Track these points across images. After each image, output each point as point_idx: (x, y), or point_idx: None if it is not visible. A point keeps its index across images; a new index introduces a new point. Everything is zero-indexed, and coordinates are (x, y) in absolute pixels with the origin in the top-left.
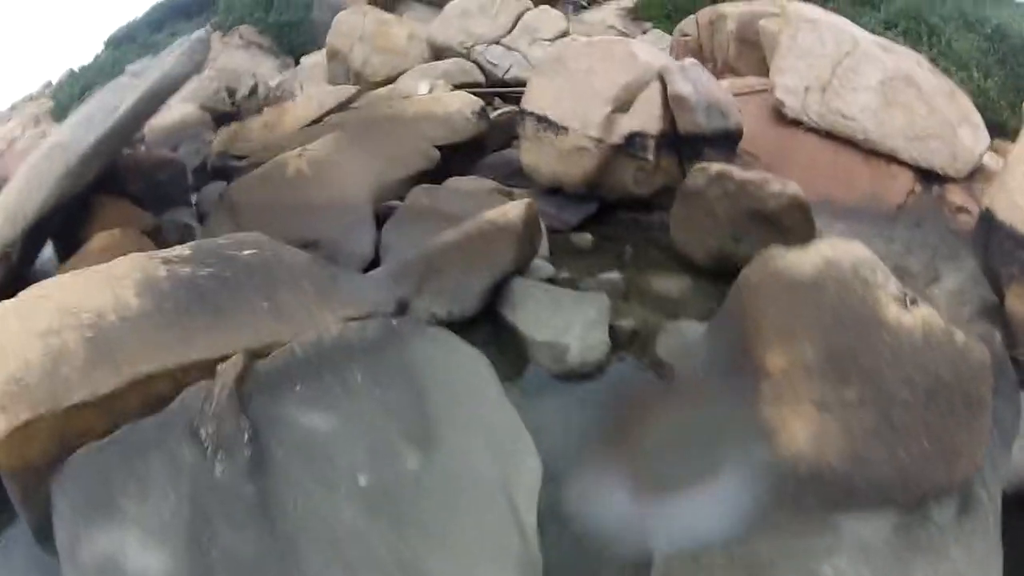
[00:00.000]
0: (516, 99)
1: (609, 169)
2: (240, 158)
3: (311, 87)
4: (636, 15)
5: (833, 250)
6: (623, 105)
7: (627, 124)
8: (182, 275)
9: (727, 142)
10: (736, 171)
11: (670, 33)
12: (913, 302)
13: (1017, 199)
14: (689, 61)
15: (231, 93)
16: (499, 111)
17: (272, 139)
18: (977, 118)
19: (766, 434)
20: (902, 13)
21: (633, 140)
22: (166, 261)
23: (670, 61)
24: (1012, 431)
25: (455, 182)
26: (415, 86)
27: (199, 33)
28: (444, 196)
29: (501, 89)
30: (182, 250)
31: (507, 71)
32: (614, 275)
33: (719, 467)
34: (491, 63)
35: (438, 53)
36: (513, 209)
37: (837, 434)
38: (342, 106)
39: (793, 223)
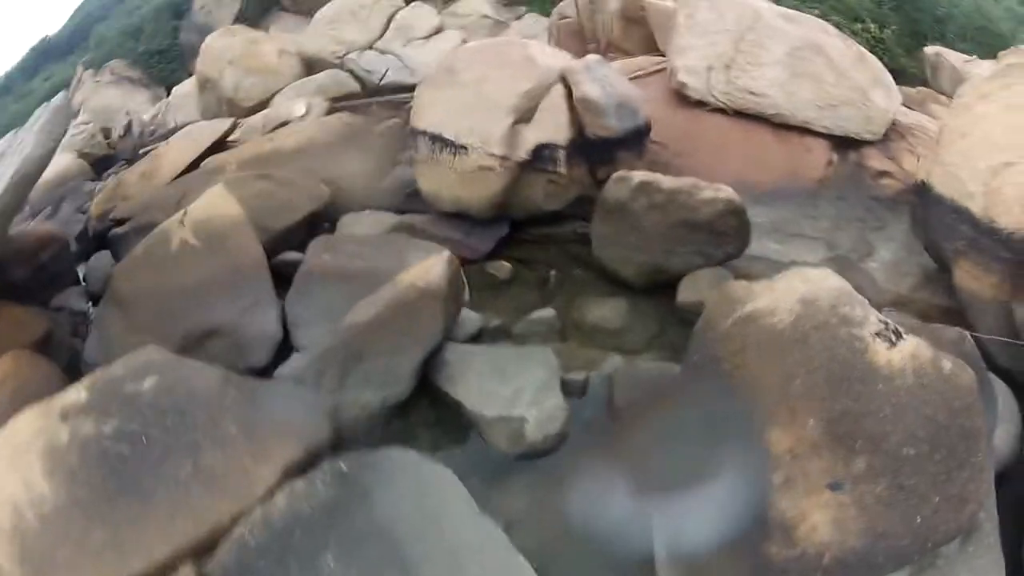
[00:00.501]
0: (395, 107)
1: (517, 187)
2: (121, 221)
3: (183, 118)
4: (509, 0)
5: (805, 285)
6: (525, 115)
7: (533, 136)
8: (87, 438)
9: (638, 139)
10: (663, 180)
11: (546, 15)
12: (896, 334)
13: (957, 173)
14: (592, 58)
15: (106, 134)
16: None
17: (152, 195)
18: (888, 78)
19: (785, 529)
20: None
21: (541, 153)
22: (64, 415)
23: (571, 61)
24: (993, 425)
25: (351, 221)
26: (290, 108)
27: (56, 101)
28: (346, 249)
29: (379, 99)
30: (78, 394)
31: (383, 77)
32: (547, 313)
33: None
34: (365, 71)
35: (311, 66)
36: (434, 267)
37: (855, 514)
38: (219, 143)
39: (728, 228)
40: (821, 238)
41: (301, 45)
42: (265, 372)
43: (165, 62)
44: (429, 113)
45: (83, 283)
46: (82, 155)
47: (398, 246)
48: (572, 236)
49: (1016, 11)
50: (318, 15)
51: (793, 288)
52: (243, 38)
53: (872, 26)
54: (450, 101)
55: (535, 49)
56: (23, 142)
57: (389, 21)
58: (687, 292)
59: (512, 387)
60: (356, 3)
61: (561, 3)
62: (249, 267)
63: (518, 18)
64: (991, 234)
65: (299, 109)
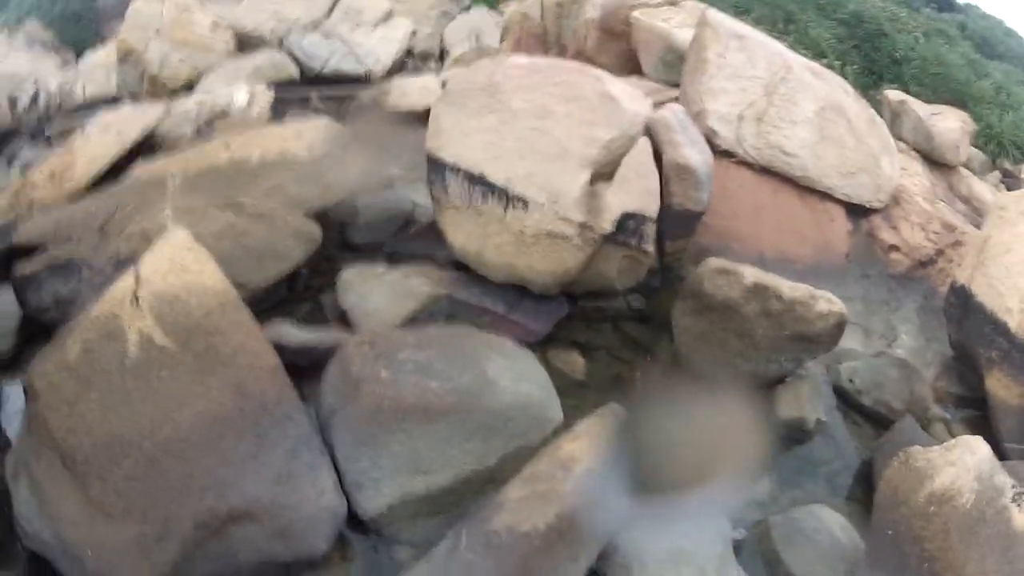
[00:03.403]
0: (337, 100)
1: (592, 262)
2: (27, 251)
3: (94, 92)
4: None
5: (974, 458)
6: (604, 172)
7: (617, 202)
8: None
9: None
10: (783, 288)
11: (492, 9)
12: (1020, 495)
13: (999, 288)
14: (678, 111)
15: (12, 104)
16: None
17: (67, 212)
18: (892, 144)
19: None
20: None
21: (626, 224)
22: None
23: (659, 110)
24: None
25: (357, 281)
26: (229, 95)
27: None
28: (408, 360)
29: (324, 90)
30: None
31: (325, 64)
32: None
33: None
34: (307, 55)
35: (246, 43)
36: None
37: None
38: (148, 138)
39: (829, 339)
40: (858, 324)
41: (237, 19)
42: (325, 562)
43: (78, 27)
44: (461, 144)
45: None
46: None
47: (474, 351)
48: (627, 312)
49: (972, 59)
50: None
51: (966, 463)
52: (174, 3)
53: (836, 63)
54: (495, 133)
55: (614, 86)
56: None
57: (333, 1)
58: (789, 408)
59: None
60: None
61: (524, 1)
62: (266, 391)
63: (464, 9)
64: (1022, 350)
65: (241, 98)
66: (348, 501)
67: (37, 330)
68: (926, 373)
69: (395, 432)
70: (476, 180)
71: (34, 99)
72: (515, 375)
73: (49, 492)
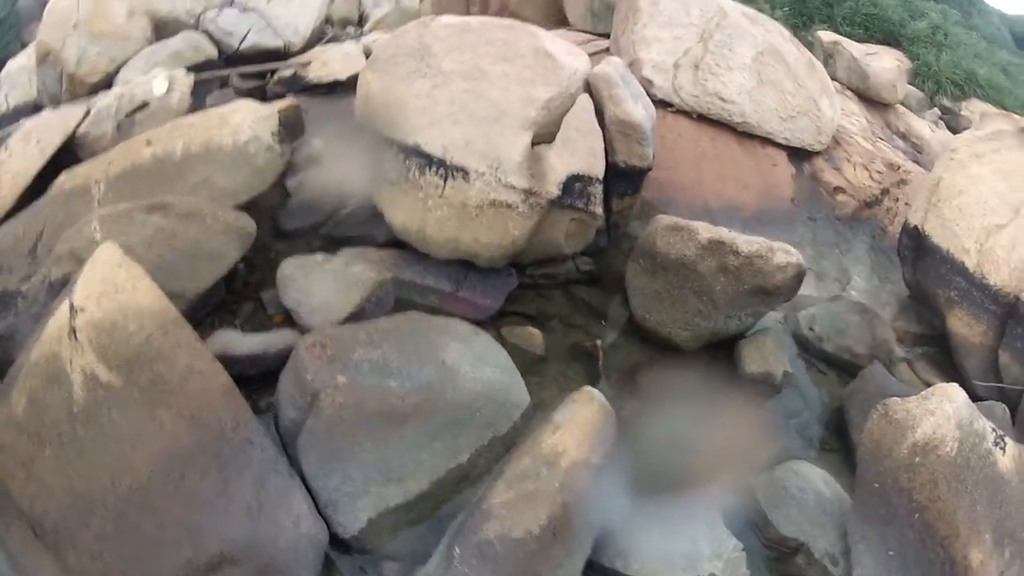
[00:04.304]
0: (258, 77)
1: (539, 229)
2: None
3: (17, 99)
4: None
5: (952, 405)
6: (545, 134)
7: (562, 164)
8: None
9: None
10: (739, 242)
11: None
12: (1002, 439)
13: (953, 229)
14: (618, 63)
15: None
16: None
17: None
18: (831, 86)
19: None
20: None
21: (572, 187)
22: None
23: (599, 65)
24: None
25: (299, 271)
26: (148, 85)
27: None
28: (365, 359)
29: (242, 69)
30: None
31: (243, 39)
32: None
33: None
34: (225, 32)
35: (163, 28)
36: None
37: None
38: (68, 143)
39: (788, 291)
40: (810, 268)
41: (152, 3)
42: None
43: (1, 30)
44: (393, 113)
45: None
46: None
47: (429, 340)
48: (577, 276)
49: (906, 0)
50: None
51: (946, 411)
52: None
53: (765, 5)
54: (428, 99)
55: (549, 42)
56: None
57: None
58: (754, 363)
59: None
60: None
61: None
62: (222, 416)
63: None
64: (982, 288)
65: (160, 86)
66: (327, 522)
67: None
68: (884, 314)
69: (361, 442)
70: (410, 151)
71: None
72: (474, 360)
73: (27, 567)
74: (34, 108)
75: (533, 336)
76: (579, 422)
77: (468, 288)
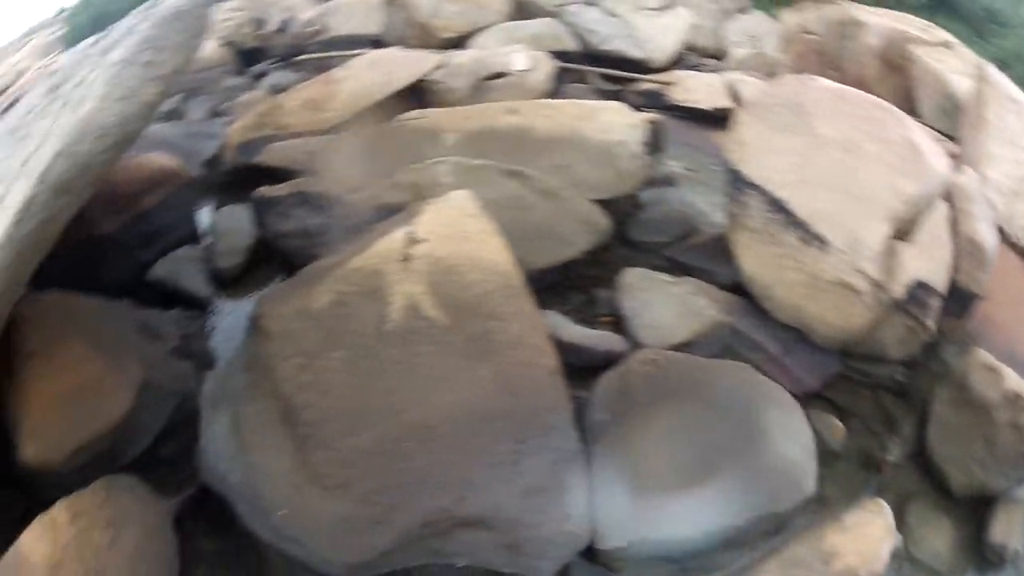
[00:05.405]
0: (616, 81)
1: (876, 323)
2: (273, 172)
3: (350, 29)
4: None
5: None
6: (903, 229)
7: (912, 266)
8: None
9: None
10: None
11: (771, 16)
12: None
13: None
14: (974, 176)
15: (257, 26)
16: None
17: (323, 145)
18: None
19: None
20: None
21: (915, 293)
22: None
23: (960, 175)
24: None
25: (641, 285)
26: (507, 59)
27: (166, 9)
28: (681, 386)
29: (608, 71)
30: None
31: (604, 42)
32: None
33: None
34: (586, 29)
35: (522, 8)
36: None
37: None
38: (417, 84)
39: None
40: None
41: None
42: None
43: None
44: (764, 161)
45: (204, 244)
46: (226, 43)
47: (751, 395)
48: (888, 382)
49: None
50: None
51: None
52: None
53: None
54: (799, 157)
55: (917, 134)
56: (95, 77)
57: None
58: (1000, 532)
59: None
60: None
61: (804, 13)
62: (540, 393)
63: (740, 11)
64: None
65: (519, 62)
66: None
67: (268, 254)
68: None
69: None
70: (778, 206)
71: (284, 25)
72: (784, 431)
73: (254, 440)
74: (374, 42)
75: (835, 429)
76: (865, 532)
77: (793, 358)
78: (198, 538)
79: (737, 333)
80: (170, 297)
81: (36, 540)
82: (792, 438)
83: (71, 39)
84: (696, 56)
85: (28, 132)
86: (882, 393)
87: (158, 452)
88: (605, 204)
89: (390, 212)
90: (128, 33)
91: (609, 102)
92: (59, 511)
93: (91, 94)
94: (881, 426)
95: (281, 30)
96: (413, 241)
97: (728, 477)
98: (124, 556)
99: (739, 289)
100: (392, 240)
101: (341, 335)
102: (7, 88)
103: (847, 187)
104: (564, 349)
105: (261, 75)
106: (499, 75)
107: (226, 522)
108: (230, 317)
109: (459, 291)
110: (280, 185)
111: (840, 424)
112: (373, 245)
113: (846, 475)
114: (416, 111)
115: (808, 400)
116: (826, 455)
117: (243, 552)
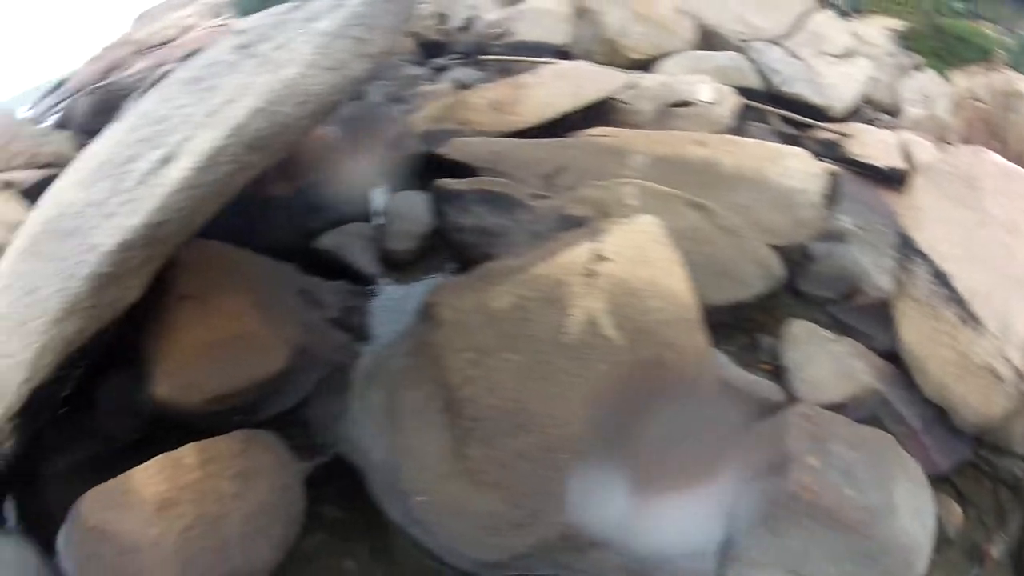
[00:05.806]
0: (795, 125)
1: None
2: (456, 166)
3: (534, 36)
4: (907, 43)
5: None
6: None
7: None
8: None
9: None
10: None
11: (943, 76)
12: None
13: None
14: None
15: (441, 20)
16: None
17: (508, 148)
18: None
19: None
20: None
21: None
22: None
23: None
24: None
25: (804, 339)
26: (693, 88)
27: None
28: (836, 457)
29: (790, 115)
30: None
31: (785, 83)
32: None
33: None
34: (770, 68)
35: (708, 37)
36: None
37: None
38: (604, 102)
39: None
40: None
41: (700, 11)
42: None
43: None
44: (935, 231)
45: (375, 223)
46: (409, 33)
47: (890, 467)
48: (1008, 477)
49: None
50: None
51: None
52: None
53: None
54: (966, 232)
55: None
56: (301, 43)
57: (798, 20)
58: None
59: None
60: None
61: (974, 78)
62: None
63: (915, 67)
64: None
65: (706, 93)
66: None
67: (439, 244)
68: None
69: (797, 526)
70: (942, 279)
71: (468, 24)
72: (913, 509)
73: (410, 424)
74: (559, 52)
75: (955, 515)
76: None
77: (931, 436)
78: (322, 504)
79: (886, 403)
80: (335, 269)
81: (153, 475)
82: (918, 516)
83: (242, 3)
84: (872, 110)
85: (214, 84)
86: (999, 486)
87: (297, 414)
88: (779, 250)
89: (572, 224)
90: (336, 6)
91: (793, 147)
92: (188, 452)
93: (296, 59)
94: (993, 520)
95: (465, 28)
96: (599, 258)
97: (858, 544)
98: (248, 508)
99: (893, 357)
100: (578, 253)
101: (517, 338)
102: (172, 40)
103: (1007, 271)
104: (723, 389)
105: (442, 68)
106: (684, 103)
107: (354, 494)
108: (394, 299)
109: (638, 315)
110: (463, 180)
111: (960, 511)
112: (558, 255)
113: (953, 563)
114: (603, 128)
115: (936, 482)
116: (940, 541)
117: (365, 526)
